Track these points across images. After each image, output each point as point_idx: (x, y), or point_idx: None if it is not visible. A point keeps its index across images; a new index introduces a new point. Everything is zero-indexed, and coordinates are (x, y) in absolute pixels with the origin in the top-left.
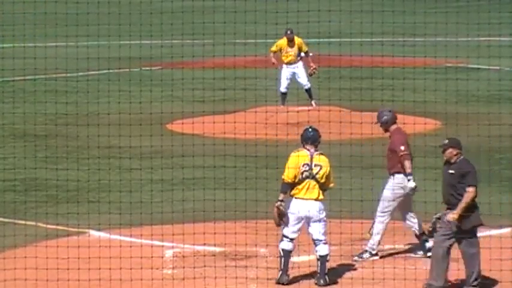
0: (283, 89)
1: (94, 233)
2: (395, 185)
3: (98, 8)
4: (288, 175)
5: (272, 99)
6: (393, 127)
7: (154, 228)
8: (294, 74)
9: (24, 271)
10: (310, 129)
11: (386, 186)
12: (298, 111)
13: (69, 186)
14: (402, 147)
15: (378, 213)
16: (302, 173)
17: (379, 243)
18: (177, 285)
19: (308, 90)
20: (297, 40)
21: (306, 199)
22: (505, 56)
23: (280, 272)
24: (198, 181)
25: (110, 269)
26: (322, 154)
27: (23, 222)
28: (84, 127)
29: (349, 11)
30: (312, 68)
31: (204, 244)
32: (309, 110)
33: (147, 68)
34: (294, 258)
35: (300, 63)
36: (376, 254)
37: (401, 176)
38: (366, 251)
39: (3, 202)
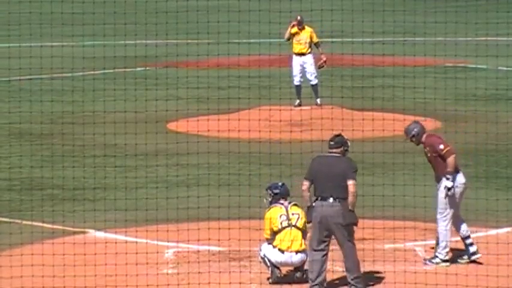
0: (296, 82)
1: (99, 232)
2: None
3: (104, 8)
4: (265, 227)
5: (275, 98)
6: (424, 136)
7: (159, 226)
8: (303, 66)
9: (31, 267)
10: (280, 184)
11: (440, 188)
12: (301, 110)
13: (74, 184)
14: (441, 146)
15: (438, 216)
16: (281, 223)
17: (447, 247)
18: (181, 283)
19: (314, 87)
20: (308, 28)
21: (290, 251)
22: (502, 55)
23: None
24: (202, 179)
25: (115, 264)
26: (295, 204)
27: (29, 222)
28: (89, 126)
29: (350, 10)
30: (322, 61)
31: (208, 241)
32: (311, 109)
33: (152, 67)
34: None
35: (310, 56)
36: (447, 261)
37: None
38: (436, 256)
39: (9, 201)
